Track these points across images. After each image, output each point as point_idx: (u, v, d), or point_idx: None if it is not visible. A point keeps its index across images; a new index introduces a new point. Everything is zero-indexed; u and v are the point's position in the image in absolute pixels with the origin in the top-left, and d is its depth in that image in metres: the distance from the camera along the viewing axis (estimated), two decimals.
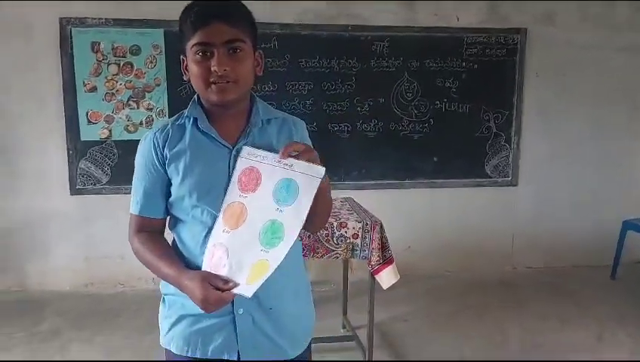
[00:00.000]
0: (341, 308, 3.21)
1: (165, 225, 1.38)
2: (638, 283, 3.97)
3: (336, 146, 3.88)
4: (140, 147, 1.33)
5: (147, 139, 1.32)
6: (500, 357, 2.83)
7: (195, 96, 1.33)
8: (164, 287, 1.37)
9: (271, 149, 1.28)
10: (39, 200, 3.74)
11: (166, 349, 1.37)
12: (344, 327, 3.16)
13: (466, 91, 3.97)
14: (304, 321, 1.41)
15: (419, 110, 3.95)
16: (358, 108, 3.89)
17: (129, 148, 3.66)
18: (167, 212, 1.35)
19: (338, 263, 3.18)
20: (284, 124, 1.36)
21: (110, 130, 3.70)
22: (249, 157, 1.25)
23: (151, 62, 3.66)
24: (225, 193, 1.25)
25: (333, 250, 2.49)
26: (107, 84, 3.65)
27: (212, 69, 1.20)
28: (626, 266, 4.02)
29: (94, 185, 3.73)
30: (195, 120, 1.30)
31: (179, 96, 3.67)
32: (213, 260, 1.23)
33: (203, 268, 1.24)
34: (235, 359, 1.29)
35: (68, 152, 3.67)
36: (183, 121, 1.31)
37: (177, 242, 1.34)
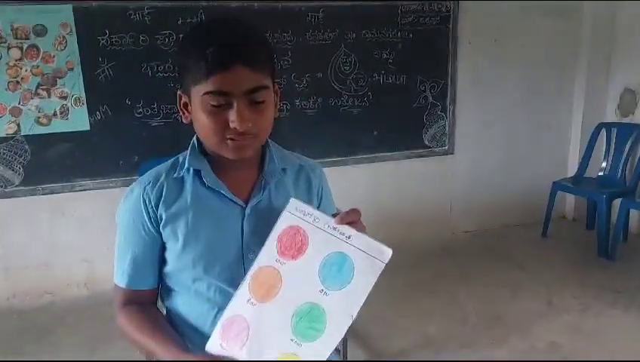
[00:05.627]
0: None
1: (158, 294, 1.14)
2: (566, 236, 4.22)
3: (275, 126, 3.61)
4: (123, 204, 1.09)
5: (134, 194, 1.07)
6: (465, 333, 2.88)
7: (194, 139, 1.10)
8: None
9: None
10: None
11: None
12: None
13: (402, 62, 3.87)
14: None
15: (357, 84, 3.82)
16: (296, 85, 3.68)
17: (43, 143, 3.26)
18: (160, 279, 1.12)
19: None
20: (300, 172, 1.18)
21: (18, 124, 3.22)
22: (296, 214, 0.99)
23: (60, 43, 3.19)
24: (236, 262, 1.04)
25: None
26: (9, 71, 3.15)
27: (231, 125, 0.98)
28: (553, 222, 4.24)
29: (5, 187, 3.25)
30: (198, 172, 1.06)
31: (97, 81, 3.22)
32: (229, 335, 0.97)
33: (210, 343, 0.99)
34: None
35: None
36: (181, 173, 1.07)
37: (176, 318, 1.11)
